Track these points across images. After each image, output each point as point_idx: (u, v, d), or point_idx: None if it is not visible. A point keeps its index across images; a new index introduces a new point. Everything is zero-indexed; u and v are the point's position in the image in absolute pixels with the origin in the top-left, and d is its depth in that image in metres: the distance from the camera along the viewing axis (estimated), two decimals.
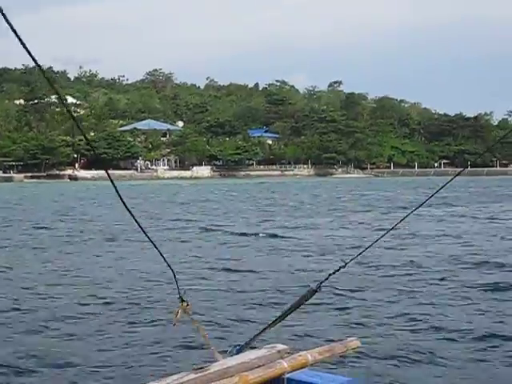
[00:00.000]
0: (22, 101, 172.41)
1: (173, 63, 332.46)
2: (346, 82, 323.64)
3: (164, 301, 15.51)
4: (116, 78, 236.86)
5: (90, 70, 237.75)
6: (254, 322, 13.50)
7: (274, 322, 4.25)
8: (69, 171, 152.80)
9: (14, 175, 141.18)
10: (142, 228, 3.66)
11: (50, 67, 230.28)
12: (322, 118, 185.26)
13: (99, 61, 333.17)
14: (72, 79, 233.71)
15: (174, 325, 4.26)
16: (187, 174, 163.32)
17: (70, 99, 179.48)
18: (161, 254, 3.89)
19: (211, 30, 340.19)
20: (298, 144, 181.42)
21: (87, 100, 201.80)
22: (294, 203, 58.61)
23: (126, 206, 3.46)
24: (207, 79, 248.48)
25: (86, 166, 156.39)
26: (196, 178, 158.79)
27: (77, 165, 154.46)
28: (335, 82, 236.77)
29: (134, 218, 3.56)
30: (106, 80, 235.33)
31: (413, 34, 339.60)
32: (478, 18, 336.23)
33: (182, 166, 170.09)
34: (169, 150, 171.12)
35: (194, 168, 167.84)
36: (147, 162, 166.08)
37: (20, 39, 2.61)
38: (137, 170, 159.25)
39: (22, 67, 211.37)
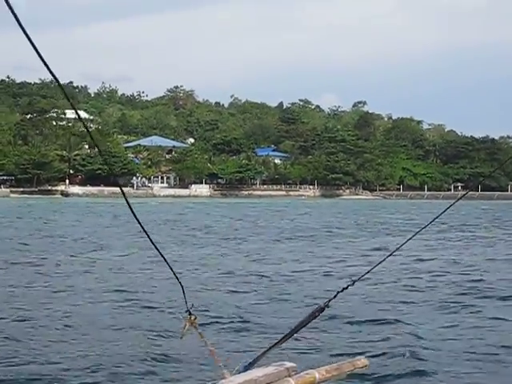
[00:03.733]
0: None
1: (200, 81, 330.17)
2: (373, 102, 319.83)
3: (171, 313, 15.68)
4: (135, 94, 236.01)
5: (110, 86, 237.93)
6: (263, 338, 13.52)
7: (282, 339, 4.23)
8: (61, 187, 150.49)
9: (0, 190, 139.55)
10: (153, 242, 3.72)
11: (71, 82, 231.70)
12: (332, 138, 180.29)
13: (128, 78, 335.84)
14: (92, 95, 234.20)
15: (181, 338, 4.31)
16: (185, 192, 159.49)
17: (83, 114, 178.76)
18: (170, 268, 3.96)
19: (240, 50, 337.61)
20: (304, 164, 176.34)
21: (101, 116, 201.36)
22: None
23: (139, 222, 3.47)
24: (231, 97, 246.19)
25: (82, 182, 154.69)
26: (194, 196, 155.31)
27: (67, 181, 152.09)
28: (359, 102, 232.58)
29: (146, 232, 3.60)
30: (126, 96, 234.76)
31: (440, 56, 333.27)
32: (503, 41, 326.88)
33: (183, 184, 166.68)
34: (169, 168, 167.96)
35: (193, 186, 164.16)
36: (144, 179, 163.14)
37: (38, 52, 2.62)
38: (133, 187, 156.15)
39: (39, 81, 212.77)
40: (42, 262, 27.94)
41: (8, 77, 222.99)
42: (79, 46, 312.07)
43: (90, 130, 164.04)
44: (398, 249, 4.60)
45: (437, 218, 4.42)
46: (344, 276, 23.48)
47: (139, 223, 3.41)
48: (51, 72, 2.68)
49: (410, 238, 4.55)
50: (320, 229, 51.82)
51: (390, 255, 4.62)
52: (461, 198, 4.67)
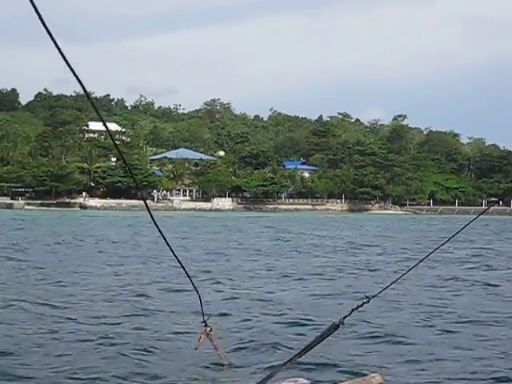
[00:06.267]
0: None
1: (240, 94, 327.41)
2: (414, 116, 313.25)
3: (186, 325, 15.79)
4: (172, 107, 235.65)
5: (146, 99, 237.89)
6: (279, 353, 13.24)
7: (296, 355, 4.28)
8: (80, 199, 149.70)
9: (14, 202, 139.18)
10: (174, 253, 3.80)
11: (108, 95, 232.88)
12: (362, 151, 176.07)
13: (172, 90, 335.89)
14: (129, 108, 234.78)
15: (196, 349, 4.39)
16: (207, 205, 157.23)
17: (115, 126, 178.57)
18: (190, 279, 4.03)
19: (282, 64, 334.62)
20: (331, 177, 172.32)
21: (134, 128, 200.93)
22: None
23: (161, 233, 3.56)
24: (270, 110, 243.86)
25: (102, 195, 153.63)
26: (217, 210, 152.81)
27: (84, 193, 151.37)
28: (399, 116, 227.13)
29: (167, 243, 3.66)
30: (163, 109, 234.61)
31: (483, 70, 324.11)
32: None
33: (206, 197, 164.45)
34: (192, 181, 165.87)
35: (215, 200, 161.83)
36: (164, 192, 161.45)
37: (67, 61, 2.61)
38: (153, 200, 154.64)
39: (74, 94, 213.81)
40: None
41: (45, 89, 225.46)
42: (124, 58, 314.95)
43: (118, 142, 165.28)
44: (416, 265, 4.68)
45: (461, 230, 4.39)
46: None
47: (162, 235, 3.45)
48: (78, 78, 2.63)
49: (430, 253, 4.64)
50: None
51: (409, 271, 4.71)
52: (484, 212, 4.66)
